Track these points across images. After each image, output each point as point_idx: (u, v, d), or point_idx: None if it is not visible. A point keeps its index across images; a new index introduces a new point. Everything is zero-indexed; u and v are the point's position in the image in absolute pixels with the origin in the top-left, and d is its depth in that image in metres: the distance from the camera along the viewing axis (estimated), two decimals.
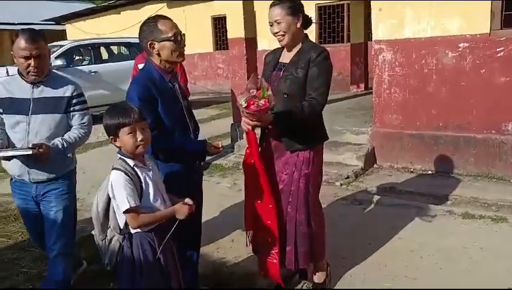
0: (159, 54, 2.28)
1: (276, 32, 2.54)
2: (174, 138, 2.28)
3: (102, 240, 2.16)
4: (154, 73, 2.31)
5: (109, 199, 2.07)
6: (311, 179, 2.64)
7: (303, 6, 2.59)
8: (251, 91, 2.28)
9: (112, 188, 2.00)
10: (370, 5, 5.33)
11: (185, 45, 2.35)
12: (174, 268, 2.20)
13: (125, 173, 1.99)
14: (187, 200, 2.12)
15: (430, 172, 4.97)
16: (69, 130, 2.60)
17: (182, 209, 2.07)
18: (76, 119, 2.62)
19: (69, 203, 2.67)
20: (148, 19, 2.34)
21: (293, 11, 2.51)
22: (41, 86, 2.52)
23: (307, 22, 2.60)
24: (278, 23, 2.51)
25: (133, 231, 2.07)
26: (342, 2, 11.22)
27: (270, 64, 2.74)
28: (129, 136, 1.99)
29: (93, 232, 2.20)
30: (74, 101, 2.60)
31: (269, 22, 2.56)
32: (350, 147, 5.43)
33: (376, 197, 4.40)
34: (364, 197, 4.42)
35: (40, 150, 2.35)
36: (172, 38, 2.25)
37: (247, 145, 2.62)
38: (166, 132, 2.26)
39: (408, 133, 5.11)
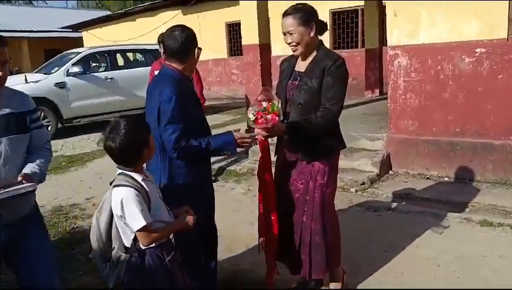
0: (192, 61, 2.42)
1: (290, 43, 2.52)
2: (202, 141, 2.32)
3: (106, 263, 2.05)
4: (179, 78, 2.36)
5: (111, 218, 2.00)
6: (327, 189, 2.63)
7: (316, 13, 2.56)
8: (261, 104, 2.28)
9: (121, 206, 1.90)
10: (385, 11, 5.31)
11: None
12: (182, 278, 2.16)
13: (135, 189, 1.92)
14: (186, 208, 2.13)
15: (446, 179, 4.90)
16: (30, 152, 2.15)
17: (190, 220, 2.08)
18: (39, 138, 2.19)
19: (48, 236, 2.38)
20: (183, 25, 2.43)
21: (305, 21, 2.47)
22: None
23: (321, 28, 2.57)
24: (290, 34, 2.48)
25: (143, 247, 2.01)
26: (356, 8, 11.20)
27: (286, 72, 2.71)
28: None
29: (91, 255, 2.10)
30: (34, 116, 2.18)
31: (282, 32, 2.54)
32: (365, 153, 5.39)
33: (392, 204, 4.36)
34: (379, 204, 4.38)
35: (33, 182, 1.96)
36: (200, 49, 2.43)
37: (260, 154, 2.63)
38: (193, 130, 2.31)
39: (424, 139, 5.06)
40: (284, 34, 2.53)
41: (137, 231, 1.92)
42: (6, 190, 1.86)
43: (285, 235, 2.69)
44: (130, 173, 1.97)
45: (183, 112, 2.24)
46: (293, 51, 2.56)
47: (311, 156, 2.58)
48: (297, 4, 2.53)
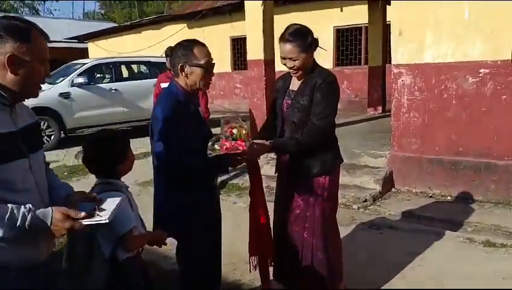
0: (186, 77, 2.29)
1: (291, 67, 2.52)
2: (195, 157, 2.26)
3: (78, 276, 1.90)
4: (179, 94, 2.31)
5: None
6: (327, 204, 2.63)
7: (312, 34, 2.53)
8: (232, 132, 2.23)
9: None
10: (388, 29, 5.35)
11: (213, 75, 2.36)
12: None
13: (123, 193, 1.94)
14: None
15: (449, 198, 4.89)
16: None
17: (165, 235, 2.11)
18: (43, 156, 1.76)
19: None
20: (185, 41, 2.33)
21: (307, 47, 2.47)
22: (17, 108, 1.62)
23: (316, 46, 2.57)
24: (293, 60, 2.48)
25: (125, 257, 1.95)
26: (360, 25, 11.29)
27: (280, 91, 2.72)
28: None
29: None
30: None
31: (281, 56, 2.52)
32: (368, 170, 5.39)
33: (394, 222, 4.34)
34: (382, 222, 4.36)
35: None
36: (204, 66, 2.26)
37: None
38: (188, 151, 2.24)
39: (427, 157, 5.06)
40: (283, 58, 2.52)
41: (127, 232, 1.90)
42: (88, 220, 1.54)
43: (284, 253, 2.69)
44: (113, 181, 2.01)
45: (176, 130, 2.19)
46: (294, 74, 2.58)
47: (310, 172, 2.58)
48: (294, 29, 2.50)
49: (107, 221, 1.55)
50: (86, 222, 1.52)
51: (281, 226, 2.75)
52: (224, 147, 2.19)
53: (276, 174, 2.84)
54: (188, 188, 2.28)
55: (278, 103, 2.69)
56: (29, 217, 1.43)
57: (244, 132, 2.23)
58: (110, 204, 1.65)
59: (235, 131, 2.22)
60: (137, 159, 8.07)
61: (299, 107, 2.53)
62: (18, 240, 1.46)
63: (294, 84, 2.64)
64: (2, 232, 1.40)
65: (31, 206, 1.45)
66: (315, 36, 2.54)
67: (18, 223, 1.41)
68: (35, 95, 1.62)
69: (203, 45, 2.31)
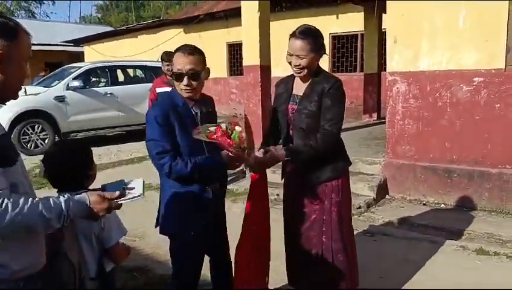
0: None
1: (296, 65, 2.48)
2: (189, 161, 2.21)
3: None
4: (177, 98, 2.29)
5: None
6: (342, 206, 2.63)
7: (323, 38, 2.54)
8: (234, 127, 2.16)
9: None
10: (384, 36, 5.39)
11: (189, 84, 2.22)
12: None
13: None
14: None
15: (443, 205, 4.90)
16: None
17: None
18: None
19: None
20: (180, 46, 2.30)
21: (318, 47, 2.45)
22: None
23: (324, 51, 2.56)
24: (300, 57, 2.44)
25: (111, 268, 1.94)
26: (356, 32, 11.37)
27: (284, 96, 2.68)
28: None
29: None
30: None
31: (288, 52, 2.48)
32: (362, 177, 5.40)
33: (388, 229, 4.34)
34: (376, 229, 4.37)
35: None
36: (176, 73, 2.22)
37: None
38: (182, 155, 2.23)
39: (421, 165, 5.08)
40: (290, 55, 2.48)
41: (115, 244, 1.88)
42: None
43: (300, 258, 2.69)
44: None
45: (167, 133, 2.18)
46: (297, 73, 2.53)
47: (322, 177, 2.57)
48: (306, 27, 2.48)
49: (141, 196, 1.63)
50: (121, 200, 1.59)
51: (294, 235, 2.73)
52: (215, 135, 2.11)
53: (283, 181, 2.83)
54: (179, 188, 2.28)
55: (282, 108, 2.65)
56: (71, 203, 1.47)
57: (239, 136, 2.15)
58: (136, 183, 1.70)
59: (236, 128, 2.15)
60: (133, 163, 8.11)
61: (308, 113, 2.50)
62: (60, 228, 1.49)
63: (298, 88, 2.60)
64: (54, 222, 1.42)
65: (68, 195, 1.51)
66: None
67: (63, 212, 1.44)
68: (16, 97, 1.56)
69: (184, 51, 2.23)
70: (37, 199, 1.42)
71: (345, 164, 2.70)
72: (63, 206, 1.44)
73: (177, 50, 2.26)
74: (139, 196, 1.63)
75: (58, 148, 2.06)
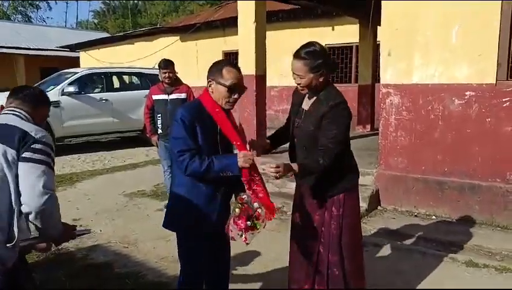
0: (212, 92, 2.42)
1: (298, 84, 2.52)
2: (206, 160, 2.31)
3: None
4: (208, 104, 2.41)
5: None
6: (344, 221, 2.61)
7: (327, 56, 2.54)
8: (250, 210, 2.25)
9: None
10: (378, 48, 5.46)
11: (237, 98, 2.43)
12: None
13: None
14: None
15: (434, 217, 4.95)
16: None
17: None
18: None
19: None
20: (223, 60, 2.49)
21: (315, 67, 2.44)
22: None
23: (333, 68, 2.59)
24: (300, 77, 2.47)
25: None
26: (351, 44, 11.48)
27: (295, 107, 2.72)
28: None
29: None
30: None
31: (291, 69, 2.53)
32: None
33: (379, 240, 4.37)
34: (367, 239, 4.38)
35: None
36: (227, 86, 2.37)
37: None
38: (200, 154, 2.34)
39: (413, 176, 5.13)
40: (293, 73, 2.52)
41: None
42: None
43: (300, 266, 2.72)
44: None
45: (191, 134, 2.33)
46: (301, 90, 2.57)
47: (327, 193, 2.60)
48: (309, 47, 2.48)
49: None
50: None
51: (295, 241, 2.77)
52: (240, 221, 2.22)
53: (295, 190, 2.85)
54: (191, 187, 2.40)
55: (292, 119, 2.72)
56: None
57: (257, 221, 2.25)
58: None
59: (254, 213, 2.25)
60: (126, 170, 8.09)
61: (308, 132, 2.53)
62: None
63: (306, 103, 2.63)
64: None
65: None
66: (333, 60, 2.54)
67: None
68: None
69: (236, 67, 2.44)
70: None
71: (350, 179, 2.70)
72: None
73: (226, 64, 2.43)
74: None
75: None
